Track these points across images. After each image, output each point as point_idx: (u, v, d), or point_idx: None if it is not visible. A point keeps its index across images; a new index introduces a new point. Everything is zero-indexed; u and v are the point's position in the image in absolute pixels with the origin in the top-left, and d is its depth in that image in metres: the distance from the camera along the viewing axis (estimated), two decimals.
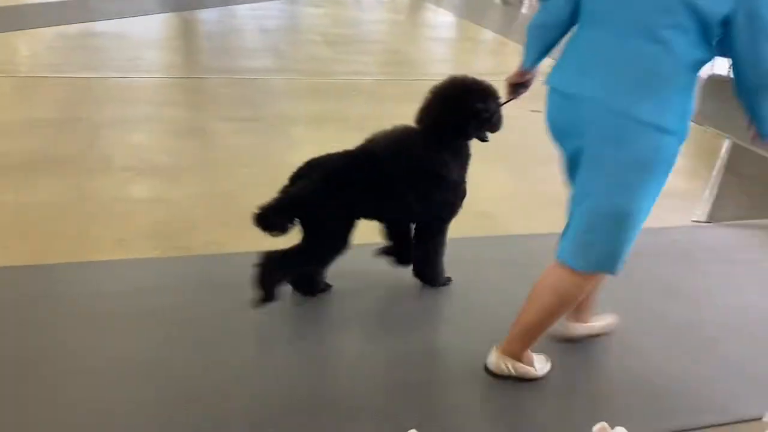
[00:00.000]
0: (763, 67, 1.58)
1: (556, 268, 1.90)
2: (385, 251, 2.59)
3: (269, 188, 3.53)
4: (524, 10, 11.39)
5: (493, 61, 7.55)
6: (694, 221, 3.42)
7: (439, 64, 7.01)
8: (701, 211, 3.50)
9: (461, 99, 2.30)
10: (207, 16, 8.64)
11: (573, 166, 1.88)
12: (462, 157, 2.38)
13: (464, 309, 2.48)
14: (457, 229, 3.15)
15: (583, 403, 2.01)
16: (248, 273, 2.25)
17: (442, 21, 9.96)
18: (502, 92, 2.30)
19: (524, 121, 5.15)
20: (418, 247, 2.51)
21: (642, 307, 2.63)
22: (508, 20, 10.45)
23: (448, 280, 2.61)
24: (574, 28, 1.83)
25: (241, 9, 9.25)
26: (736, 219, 3.41)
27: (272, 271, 2.24)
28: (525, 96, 2.24)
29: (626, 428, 1.78)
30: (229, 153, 4.05)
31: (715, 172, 3.87)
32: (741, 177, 3.94)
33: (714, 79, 6.94)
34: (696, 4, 1.55)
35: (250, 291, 2.26)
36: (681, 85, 1.68)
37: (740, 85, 1.69)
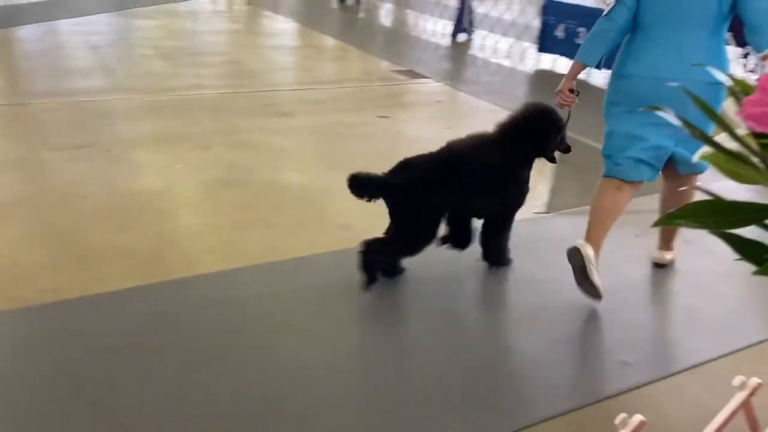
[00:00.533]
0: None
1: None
2: (445, 240, 2.94)
3: (114, 221, 3.29)
4: (361, 14, 11.62)
5: (336, 67, 7.62)
6: (535, 213, 3.65)
7: (283, 73, 6.96)
8: (541, 202, 3.75)
9: (547, 122, 2.86)
10: (25, 33, 7.95)
11: (649, 129, 2.62)
12: (531, 164, 2.87)
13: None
14: (320, 245, 3.14)
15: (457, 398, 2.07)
16: (100, 319, 2.08)
17: (281, 29, 9.88)
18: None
19: (372, 127, 5.26)
20: (490, 235, 2.93)
21: (499, 300, 2.77)
22: (348, 25, 10.61)
23: (510, 260, 3.01)
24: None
25: (65, 24, 8.60)
26: (572, 207, 3.68)
27: (374, 257, 2.71)
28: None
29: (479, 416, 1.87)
30: (63, 185, 3.74)
31: (548, 165, 4.17)
32: (573, 167, 4.27)
33: (539, 73, 7.50)
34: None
35: (105, 339, 2.09)
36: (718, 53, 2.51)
37: (761, 38, 2.40)
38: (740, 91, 0.63)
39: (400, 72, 7.25)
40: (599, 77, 7.28)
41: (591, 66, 2.81)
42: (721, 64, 2.51)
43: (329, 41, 8.94)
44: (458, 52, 8.79)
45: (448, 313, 2.64)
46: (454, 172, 2.68)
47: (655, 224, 0.57)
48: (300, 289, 2.75)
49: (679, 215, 0.56)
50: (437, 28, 9.94)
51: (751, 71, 4.19)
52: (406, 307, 2.71)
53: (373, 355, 2.36)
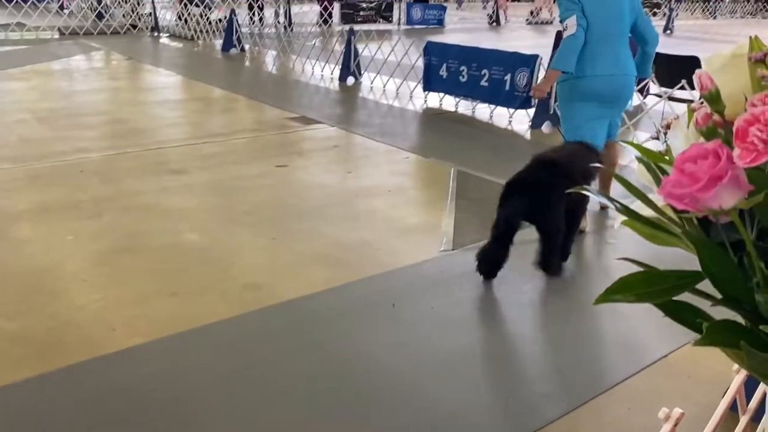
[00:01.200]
0: (657, 40, 3.98)
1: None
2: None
3: (2, 306, 3.10)
4: (247, 62, 11.58)
5: (227, 118, 7.52)
6: (442, 251, 3.72)
7: (171, 129, 6.77)
8: (446, 239, 3.83)
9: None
10: None
11: (600, 111, 3.93)
12: None
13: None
14: (226, 309, 3.03)
15: None
16: None
17: (165, 82, 9.65)
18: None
19: (271, 178, 5.20)
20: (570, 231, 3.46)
21: (416, 342, 2.78)
22: (234, 74, 10.52)
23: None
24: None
25: None
26: (476, 241, 3.79)
27: (552, 260, 3.32)
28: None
29: None
30: None
31: (448, 201, 4.28)
32: (471, 201, 4.41)
33: (428, 111, 7.74)
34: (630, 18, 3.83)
35: None
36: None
37: (646, 57, 4.00)
38: (652, 161, 0.67)
39: (293, 119, 7.26)
40: (485, 113, 7.62)
41: (570, 71, 3.83)
42: (632, 63, 3.99)
43: (217, 92, 8.83)
44: (348, 95, 8.94)
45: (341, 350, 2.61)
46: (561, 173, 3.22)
47: (596, 302, 0.58)
48: (207, 362, 2.64)
49: (616, 290, 0.58)
50: (325, 73, 10.06)
51: (655, 138, 4.55)
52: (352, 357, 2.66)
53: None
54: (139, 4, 15.76)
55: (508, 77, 7.36)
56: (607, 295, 0.59)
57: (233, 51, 12.44)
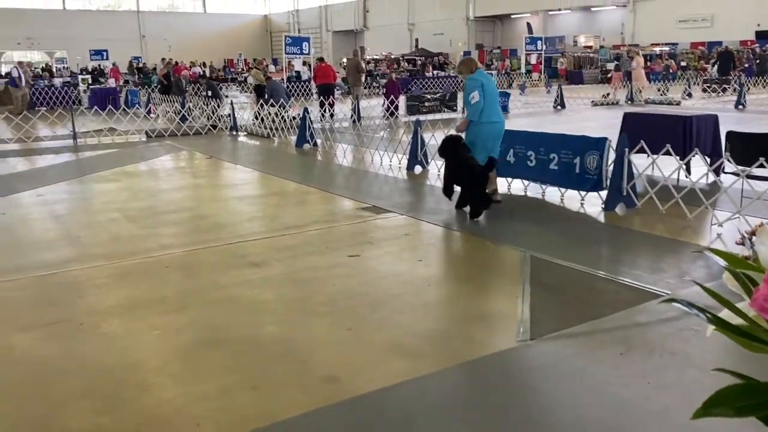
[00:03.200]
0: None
1: None
2: None
3: (92, 401, 3.20)
4: (319, 157, 12.05)
5: (302, 210, 7.78)
6: (519, 341, 3.64)
7: (250, 223, 7.05)
8: (523, 328, 3.76)
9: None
10: None
11: (494, 145, 7.18)
12: None
13: None
14: (304, 403, 3.05)
15: None
16: None
17: (244, 178, 10.14)
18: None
19: (345, 268, 5.30)
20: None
21: None
22: (308, 168, 10.95)
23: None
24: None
25: (25, 197, 8.66)
26: (555, 331, 3.70)
27: None
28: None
29: None
30: (35, 369, 3.61)
31: (523, 288, 4.23)
32: (547, 288, 4.34)
33: (503, 199, 7.71)
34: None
35: None
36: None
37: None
38: (740, 269, 0.68)
39: (364, 209, 7.44)
40: (555, 196, 7.59)
41: (476, 120, 7.03)
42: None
43: (292, 186, 9.18)
44: (416, 183, 9.12)
45: None
46: None
47: (694, 417, 0.59)
48: None
49: (714, 404, 0.58)
50: (393, 163, 10.34)
51: (740, 243, 4.49)
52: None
53: None
54: (218, 107, 16.81)
55: (577, 160, 7.35)
56: (706, 409, 0.59)
57: (306, 146, 12.98)
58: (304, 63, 26.21)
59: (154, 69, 33.76)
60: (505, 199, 7.82)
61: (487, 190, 6.94)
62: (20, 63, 24.32)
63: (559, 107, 20.58)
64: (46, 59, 47.20)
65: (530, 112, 19.52)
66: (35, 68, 22.73)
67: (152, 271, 5.39)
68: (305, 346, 3.77)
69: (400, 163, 10.18)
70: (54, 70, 31.97)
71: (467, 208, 6.90)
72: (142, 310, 4.49)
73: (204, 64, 38.49)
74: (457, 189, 7.10)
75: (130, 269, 5.44)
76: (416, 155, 9.86)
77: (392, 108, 17.44)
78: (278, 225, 6.93)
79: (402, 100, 19.17)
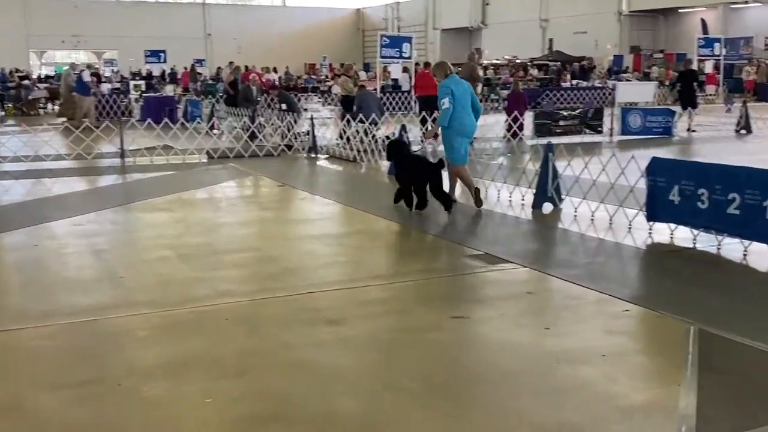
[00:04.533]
0: (481, 108, 10.63)
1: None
2: None
3: None
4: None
5: (393, 256, 7.89)
6: None
7: (328, 269, 7.22)
8: (686, 426, 3.63)
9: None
10: (12, 240, 8.57)
11: (461, 144, 10.02)
12: None
13: None
14: None
15: None
16: None
17: (322, 212, 10.42)
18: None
19: (445, 332, 5.31)
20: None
21: None
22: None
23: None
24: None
25: (61, 226, 9.27)
26: (733, 431, 3.55)
27: None
28: None
29: None
30: None
31: (688, 372, 4.09)
32: (721, 373, 4.17)
33: (654, 250, 7.55)
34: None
35: None
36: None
37: (477, 116, 10.22)
38: None
39: (474, 257, 7.45)
40: (735, 250, 7.31)
41: (445, 125, 9.73)
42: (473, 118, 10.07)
43: (382, 223, 9.33)
44: (544, 227, 9.04)
45: None
46: None
47: None
48: None
49: None
50: (514, 198, 10.30)
51: None
52: None
53: None
54: (295, 123, 17.37)
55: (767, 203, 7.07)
56: None
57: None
58: (405, 69, 26.82)
59: (218, 75, 35.59)
60: (667, 252, 7.60)
61: (471, 192, 10.10)
62: (89, 66, 26.45)
63: (743, 131, 19.86)
64: (93, 60, 50.84)
65: (703, 138, 18.94)
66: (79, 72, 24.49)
67: (207, 323, 5.61)
68: (388, 428, 3.80)
69: (523, 200, 10.15)
70: (102, 74, 34.23)
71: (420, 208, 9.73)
72: (193, 371, 4.67)
73: (276, 70, 40.05)
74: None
75: (180, 320, 5.70)
76: (545, 190, 9.79)
77: (515, 127, 17.44)
78: (362, 273, 7.05)
79: (528, 118, 19.13)
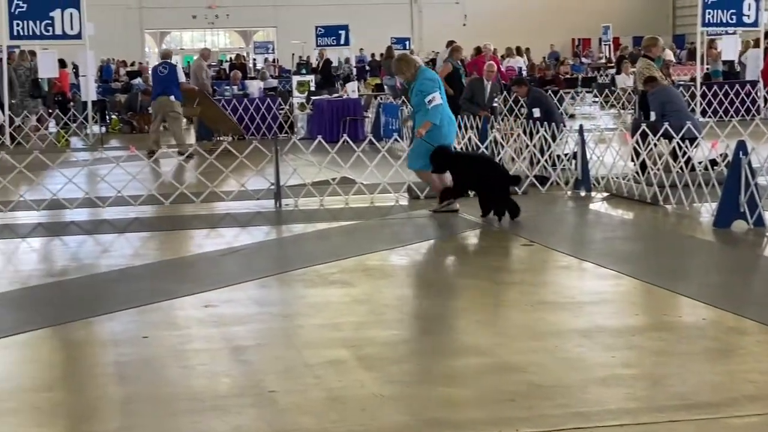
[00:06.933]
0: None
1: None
2: None
3: None
4: None
5: (715, 369, 7.57)
6: None
7: (606, 389, 7.10)
8: None
9: None
10: (112, 329, 9.03)
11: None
12: None
13: None
14: None
15: None
16: None
17: (598, 291, 10.22)
18: None
19: None
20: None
21: None
22: (740, 276, 10.71)
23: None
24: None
25: (183, 306, 9.67)
26: None
27: None
28: None
29: None
30: None
31: None
32: None
33: None
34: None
35: None
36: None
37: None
38: None
39: None
40: None
41: (437, 123, 14.31)
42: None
43: (701, 312, 9.05)
44: None
45: None
46: None
47: None
48: None
49: None
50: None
51: None
52: None
53: None
54: (553, 140, 16.92)
55: None
56: None
57: (740, 224, 12.73)
58: (748, 44, 25.94)
59: (431, 60, 36.11)
60: None
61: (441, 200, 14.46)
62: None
63: None
64: (238, 44, 53.13)
65: None
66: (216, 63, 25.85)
67: None
68: None
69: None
70: (251, 65, 35.60)
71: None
72: None
73: (523, 52, 39.96)
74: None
75: None
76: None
77: None
78: (664, 396, 6.84)
79: None
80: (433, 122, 13.70)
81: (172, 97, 24.79)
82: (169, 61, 26.42)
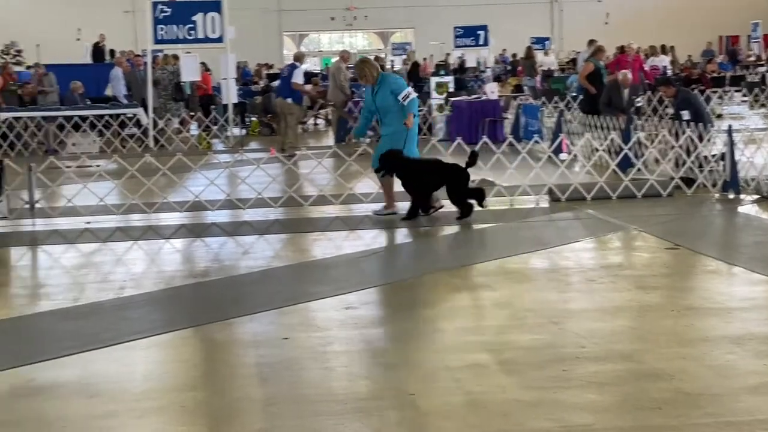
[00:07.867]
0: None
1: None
2: None
3: None
4: None
5: None
6: None
7: (758, 397, 6.92)
8: None
9: None
10: (253, 329, 9.16)
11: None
12: None
13: None
14: None
15: None
16: None
17: (750, 297, 9.98)
18: None
19: None
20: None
21: None
22: None
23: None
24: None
25: (323, 308, 9.74)
26: None
27: None
28: None
29: None
30: None
31: None
32: None
33: None
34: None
35: None
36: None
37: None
38: None
39: None
40: None
41: (416, 113, 15.93)
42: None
43: None
44: None
45: None
46: None
47: None
48: None
49: None
50: None
51: None
52: None
53: None
54: (700, 141, 16.55)
55: None
56: None
57: None
58: None
59: (572, 62, 35.84)
60: None
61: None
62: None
63: None
64: (377, 46, 53.45)
65: None
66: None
67: None
68: None
69: None
70: (389, 67, 35.81)
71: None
72: None
73: (668, 51, 39.45)
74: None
75: None
76: None
77: None
78: None
79: None
80: (414, 113, 14.97)
81: (289, 100, 25.58)
82: (294, 62, 26.93)
